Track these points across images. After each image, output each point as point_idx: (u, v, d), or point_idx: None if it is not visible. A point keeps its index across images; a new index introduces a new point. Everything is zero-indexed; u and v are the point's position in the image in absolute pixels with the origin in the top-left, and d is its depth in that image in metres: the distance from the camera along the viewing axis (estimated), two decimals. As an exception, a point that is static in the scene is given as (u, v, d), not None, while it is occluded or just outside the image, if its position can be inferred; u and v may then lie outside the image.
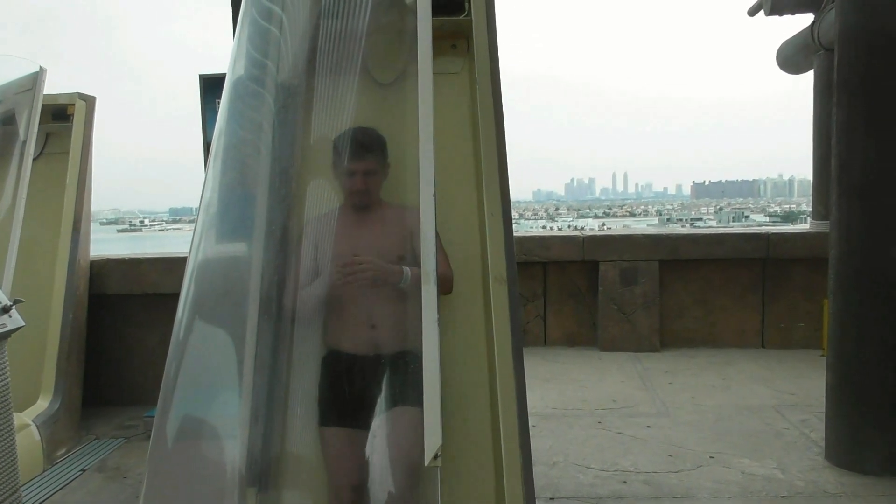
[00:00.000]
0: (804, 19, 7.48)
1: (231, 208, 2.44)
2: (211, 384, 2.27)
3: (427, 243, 1.93)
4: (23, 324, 3.06)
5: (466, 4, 2.63)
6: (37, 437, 4.04)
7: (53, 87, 4.73)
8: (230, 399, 2.26)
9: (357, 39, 2.45)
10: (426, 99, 2.04)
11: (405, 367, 2.30)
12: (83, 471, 4.00)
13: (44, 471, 4.00)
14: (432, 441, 1.71)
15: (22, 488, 3.47)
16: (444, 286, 2.43)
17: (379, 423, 2.34)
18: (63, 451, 4.27)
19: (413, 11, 2.22)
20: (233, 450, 2.21)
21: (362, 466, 2.34)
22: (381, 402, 2.36)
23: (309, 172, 2.65)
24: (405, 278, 2.33)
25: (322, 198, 2.60)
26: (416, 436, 2.30)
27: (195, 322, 2.16)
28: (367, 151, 2.46)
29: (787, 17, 7.54)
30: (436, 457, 1.70)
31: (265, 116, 2.54)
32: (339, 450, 2.39)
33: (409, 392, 2.30)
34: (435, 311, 1.85)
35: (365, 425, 2.35)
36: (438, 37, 2.50)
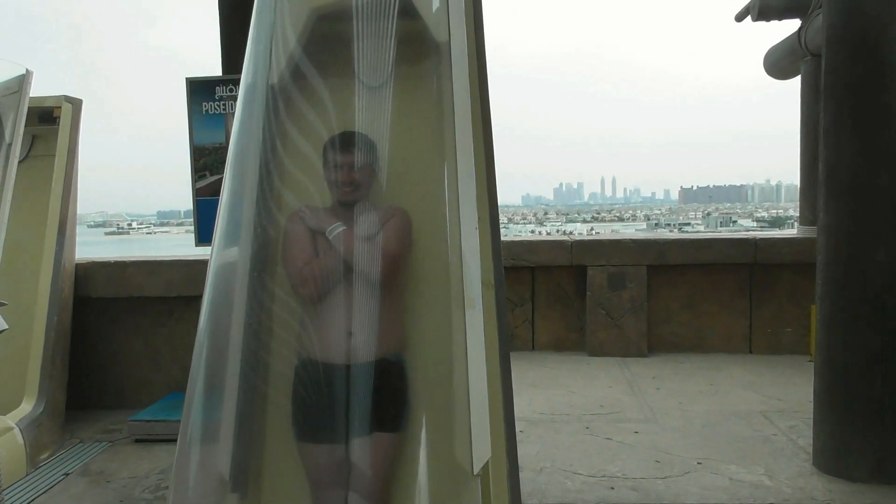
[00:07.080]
0: (791, 25, 7.54)
1: (242, 213, 2.42)
2: (224, 389, 2.26)
3: (471, 274, 2.06)
4: (6, 327, 3.03)
5: None
6: (20, 440, 4.00)
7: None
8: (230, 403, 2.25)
9: (381, 43, 2.42)
10: (466, 142, 2.10)
11: (384, 378, 2.30)
12: (66, 475, 3.96)
13: (27, 474, 3.96)
14: (481, 453, 1.90)
15: (4, 492, 3.43)
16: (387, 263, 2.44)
17: (357, 448, 2.34)
18: (46, 454, 4.23)
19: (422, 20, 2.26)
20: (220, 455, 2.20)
21: (343, 484, 2.34)
22: (359, 417, 2.34)
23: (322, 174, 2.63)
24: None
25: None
26: (389, 465, 2.33)
27: (215, 327, 2.23)
28: (355, 146, 2.45)
29: (773, 23, 7.60)
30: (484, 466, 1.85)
31: (280, 121, 2.54)
32: (318, 466, 2.38)
33: (386, 405, 2.31)
34: (481, 334, 2.00)
35: (342, 440, 2.34)
36: (427, 39, 2.48)
